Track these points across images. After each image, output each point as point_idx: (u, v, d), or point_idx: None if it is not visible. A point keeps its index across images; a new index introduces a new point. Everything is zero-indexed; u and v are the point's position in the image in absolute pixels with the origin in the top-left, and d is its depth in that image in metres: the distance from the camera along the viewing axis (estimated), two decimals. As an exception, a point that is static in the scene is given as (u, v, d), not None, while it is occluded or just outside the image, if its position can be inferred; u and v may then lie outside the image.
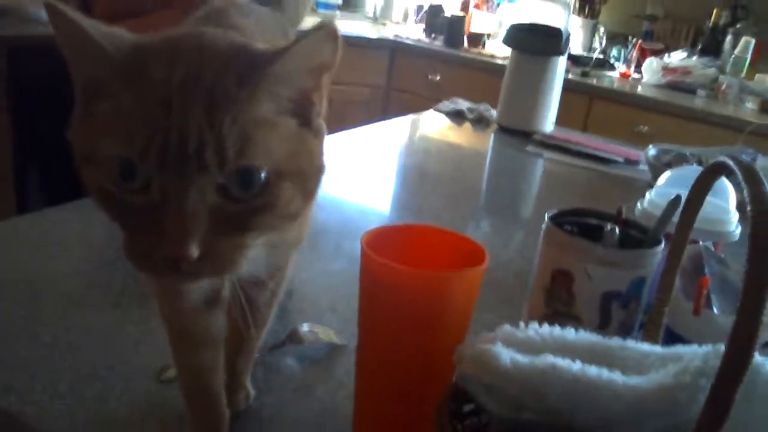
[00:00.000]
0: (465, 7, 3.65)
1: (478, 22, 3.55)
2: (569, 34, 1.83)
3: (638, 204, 0.89)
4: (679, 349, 0.48)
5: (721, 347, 0.42)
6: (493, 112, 1.97)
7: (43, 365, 0.64)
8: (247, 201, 0.40)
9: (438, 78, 3.29)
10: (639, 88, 3.06)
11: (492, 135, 1.89)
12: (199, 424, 0.58)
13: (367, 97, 3.35)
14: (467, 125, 1.96)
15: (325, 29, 0.41)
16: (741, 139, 1.75)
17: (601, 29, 3.48)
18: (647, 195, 0.89)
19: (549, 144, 1.78)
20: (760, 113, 2.84)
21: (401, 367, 0.55)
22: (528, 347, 0.48)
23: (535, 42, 1.82)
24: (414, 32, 3.62)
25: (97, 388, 0.62)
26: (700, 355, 0.44)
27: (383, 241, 0.57)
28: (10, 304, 0.74)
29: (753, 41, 3.05)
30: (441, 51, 3.37)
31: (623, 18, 3.47)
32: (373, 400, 0.58)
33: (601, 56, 3.38)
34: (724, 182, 0.90)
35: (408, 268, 0.53)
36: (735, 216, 0.84)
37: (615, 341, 0.50)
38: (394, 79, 3.45)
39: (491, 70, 3.04)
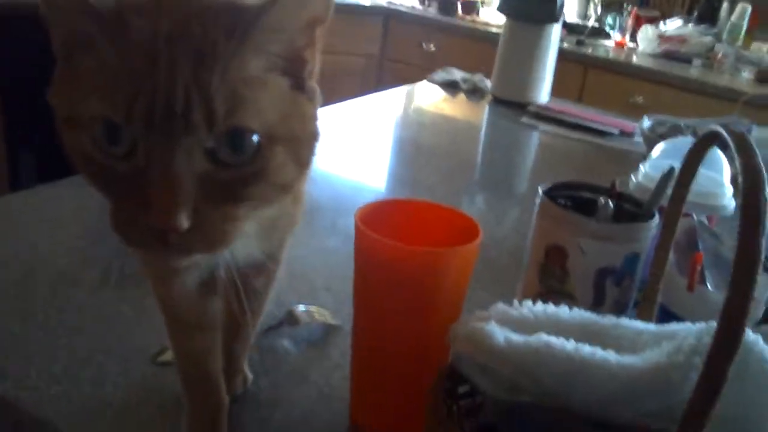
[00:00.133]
0: (459, -26, 3.61)
1: (472, -12, 3.51)
2: (564, 1, 1.81)
3: (632, 177, 0.88)
4: (673, 326, 0.48)
5: (714, 325, 0.42)
6: (488, 83, 1.96)
7: (38, 347, 0.64)
8: (238, 167, 0.39)
9: (432, 47, 3.27)
10: (634, 58, 3.05)
11: (486, 106, 1.88)
12: (198, 409, 0.57)
13: (362, 67, 3.33)
14: (461, 96, 1.95)
15: None
16: (737, 110, 1.74)
17: (597, -4, 3.45)
18: (641, 167, 0.89)
19: (544, 116, 1.77)
20: (756, 83, 2.82)
21: (395, 346, 0.55)
22: (522, 326, 0.48)
23: (530, 8, 1.80)
24: (407, -1, 3.58)
25: (93, 371, 0.62)
26: (694, 332, 0.44)
27: (377, 217, 0.56)
28: (3, 283, 0.73)
29: (749, 7, 3.03)
30: (435, 19, 3.34)
31: (618, -15, 3.43)
32: (368, 380, 0.59)
33: (596, 24, 3.35)
34: (719, 154, 0.90)
35: (401, 245, 0.52)
36: (729, 189, 0.83)
37: (609, 319, 0.50)
38: (387, 48, 3.42)
39: (486, 38, 3.02)
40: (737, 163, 0.36)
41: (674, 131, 1.43)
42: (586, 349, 0.43)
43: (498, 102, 1.88)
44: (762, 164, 0.35)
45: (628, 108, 2.51)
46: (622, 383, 0.41)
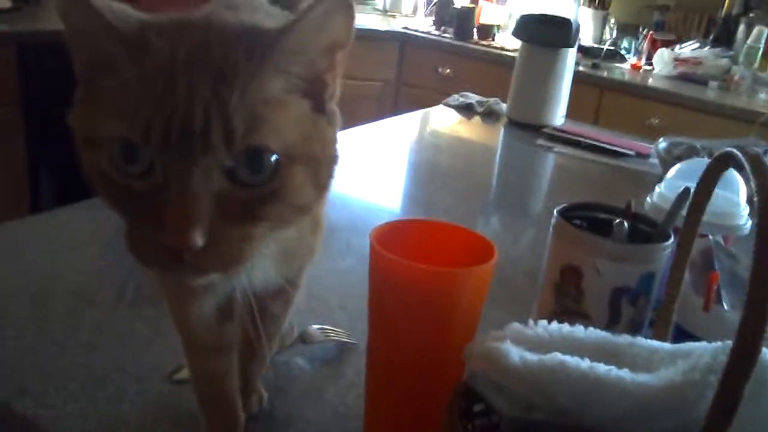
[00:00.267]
0: (475, -1, 3.64)
1: (487, 13, 3.52)
2: (579, 25, 1.82)
3: (648, 198, 0.88)
4: (688, 345, 0.47)
5: (730, 344, 0.42)
6: (503, 106, 1.97)
7: (55, 365, 0.64)
8: (257, 186, 0.39)
9: (448, 71, 3.28)
10: (650, 80, 3.04)
11: (502, 129, 1.88)
12: (216, 428, 0.58)
13: (378, 92, 3.34)
14: (477, 119, 1.95)
15: None
16: (753, 131, 1.73)
17: (612, 20, 3.45)
18: (657, 188, 0.89)
19: (559, 137, 1.77)
20: (773, 104, 2.81)
21: (411, 365, 0.55)
22: (537, 345, 0.48)
23: (545, 33, 1.81)
24: (423, 24, 3.61)
25: (110, 389, 0.62)
26: (709, 351, 0.44)
27: (393, 237, 0.56)
28: (21, 301, 0.74)
29: (766, 30, 3.01)
30: (451, 43, 3.35)
31: (634, 8, 3.44)
32: (383, 399, 0.59)
33: (612, 48, 3.36)
34: (734, 175, 0.90)
35: (417, 265, 0.52)
36: (745, 209, 0.83)
37: (624, 338, 0.50)
38: (404, 73, 3.44)
39: (502, 62, 3.02)
40: (752, 183, 0.36)
41: (690, 153, 1.43)
42: (601, 367, 0.43)
43: (513, 124, 1.88)
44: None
45: (644, 130, 2.50)
46: (637, 401, 0.41)
